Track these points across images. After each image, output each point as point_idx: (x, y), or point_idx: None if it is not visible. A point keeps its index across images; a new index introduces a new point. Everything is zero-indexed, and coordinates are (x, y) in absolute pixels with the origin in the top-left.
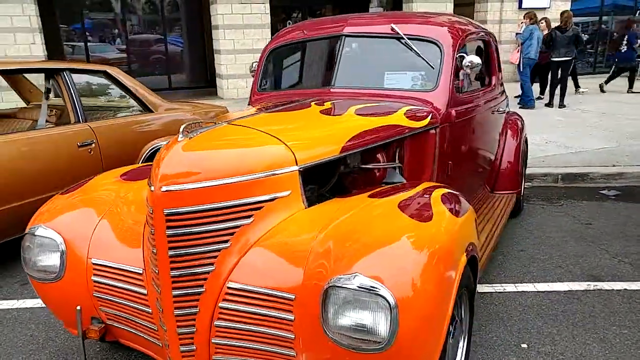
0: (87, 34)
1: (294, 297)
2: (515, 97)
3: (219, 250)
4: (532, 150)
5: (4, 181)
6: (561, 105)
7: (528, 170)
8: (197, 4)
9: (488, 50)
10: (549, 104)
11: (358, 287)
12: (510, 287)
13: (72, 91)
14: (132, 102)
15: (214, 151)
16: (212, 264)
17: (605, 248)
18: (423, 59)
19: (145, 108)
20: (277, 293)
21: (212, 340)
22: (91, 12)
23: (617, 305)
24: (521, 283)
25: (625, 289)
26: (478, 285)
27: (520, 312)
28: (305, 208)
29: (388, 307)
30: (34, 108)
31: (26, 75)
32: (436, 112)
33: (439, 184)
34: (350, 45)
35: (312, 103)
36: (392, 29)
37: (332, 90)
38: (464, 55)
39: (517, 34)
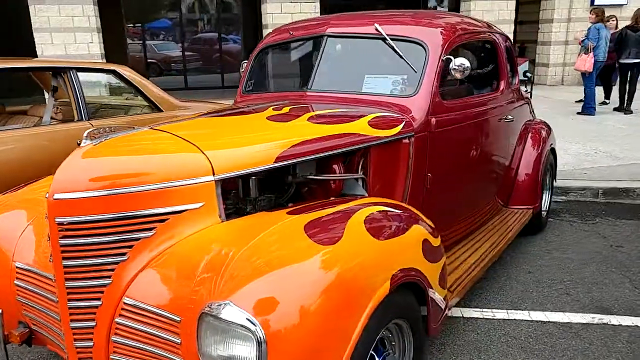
0: (151, 33)
1: (180, 319)
2: (577, 101)
3: (116, 263)
4: (575, 161)
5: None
6: (627, 111)
7: (564, 183)
8: (254, 3)
9: (495, 52)
10: (620, 109)
11: (226, 317)
12: (501, 314)
13: (76, 90)
14: (143, 101)
15: (115, 158)
16: (109, 276)
17: (629, 276)
18: (406, 61)
19: (155, 107)
20: (165, 313)
21: (111, 357)
22: (155, 12)
23: (618, 344)
24: (516, 310)
25: (636, 326)
26: (465, 309)
27: (502, 344)
28: (222, 222)
29: (255, 341)
30: (44, 105)
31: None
32: (411, 120)
33: (382, 201)
34: (333, 46)
35: (270, 107)
36: (376, 29)
37: (308, 93)
38: (451, 58)
39: (582, 40)
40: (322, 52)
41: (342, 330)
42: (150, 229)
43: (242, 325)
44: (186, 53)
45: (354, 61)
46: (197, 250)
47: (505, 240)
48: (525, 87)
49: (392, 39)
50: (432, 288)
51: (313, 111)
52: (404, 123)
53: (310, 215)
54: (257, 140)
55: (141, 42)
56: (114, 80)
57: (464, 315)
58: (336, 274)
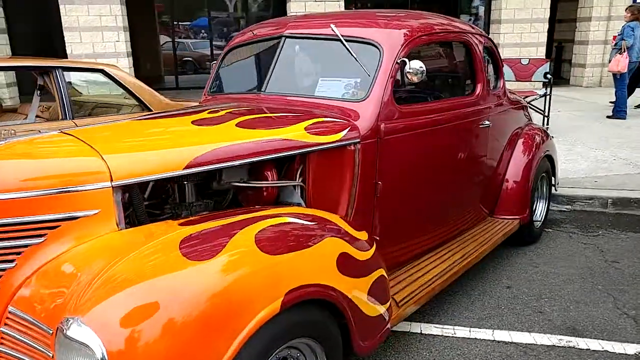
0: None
1: (51, 331)
2: (611, 102)
3: (2, 270)
4: (590, 168)
5: None
6: None
7: (572, 192)
8: (284, 3)
9: (470, 54)
10: None
11: (70, 334)
12: (462, 332)
13: (61, 89)
14: (133, 100)
15: (5, 162)
16: None
17: (615, 295)
18: (360, 64)
19: (145, 106)
20: (40, 324)
21: None
22: (193, 11)
23: None
24: (479, 328)
25: (606, 351)
26: (427, 325)
27: None
28: (121, 229)
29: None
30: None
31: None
32: (358, 125)
33: (295, 211)
34: (291, 48)
35: (206, 110)
36: (332, 30)
37: (262, 95)
38: (406, 60)
39: (615, 43)
40: (279, 54)
41: (210, 351)
42: (40, 236)
43: (83, 343)
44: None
45: (311, 63)
46: (80, 260)
47: (479, 252)
48: (545, 88)
49: (347, 40)
50: (355, 304)
51: (249, 115)
52: (348, 129)
53: (194, 228)
54: (169, 145)
55: (174, 40)
56: (100, 80)
57: (423, 332)
58: (202, 292)
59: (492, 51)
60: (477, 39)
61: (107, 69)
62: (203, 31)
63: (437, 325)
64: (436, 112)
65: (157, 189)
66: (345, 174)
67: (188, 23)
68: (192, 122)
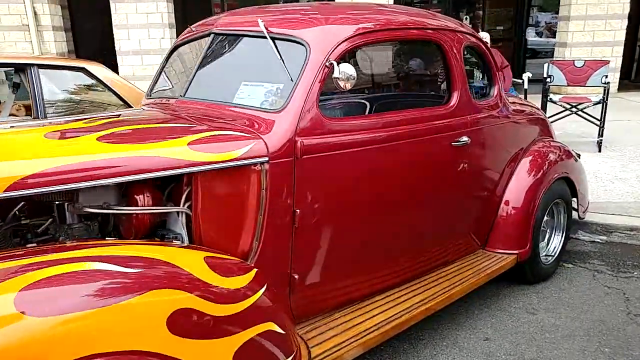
0: None
1: None
2: None
3: None
4: (634, 191)
5: None
6: None
7: (610, 219)
8: None
9: (443, 56)
10: None
11: None
12: None
13: (35, 87)
14: (115, 99)
15: None
16: None
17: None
18: (284, 66)
19: (129, 105)
20: None
21: None
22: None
23: None
24: None
25: None
26: None
27: None
28: None
29: None
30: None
31: None
32: (267, 141)
33: (107, 254)
34: (219, 46)
35: (82, 121)
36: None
37: (182, 100)
38: (334, 63)
39: None
40: (205, 53)
41: None
42: None
43: None
44: None
45: (236, 64)
46: None
47: (446, 295)
48: (604, 94)
49: (276, 38)
50: None
51: (129, 126)
52: (250, 145)
53: None
54: None
55: None
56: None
57: None
58: None
59: (480, 51)
60: (453, 36)
61: (89, 66)
62: None
63: None
64: (383, 127)
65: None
66: (247, 199)
67: None
68: (44, 136)
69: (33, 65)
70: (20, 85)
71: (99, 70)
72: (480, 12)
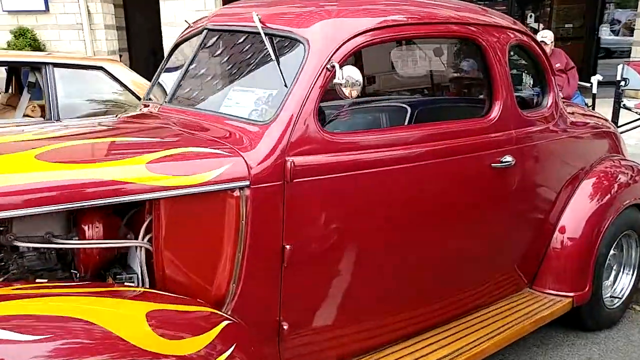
0: None
1: None
2: None
3: None
4: None
5: None
6: None
7: None
8: None
9: (482, 58)
10: None
11: None
12: None
13: (49, 87)
14: (133, 99)
15: None
16: None
17: None
18: (279, 69)
19: None
20: None
21: None
22: None
23: None
24: None
25: None
26: None
27: None
28: None
29: None
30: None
31: None
32: (248, 161)
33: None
34: (212, 45)
35: (31, 132)
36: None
37: (165, 107)
38: (336, 65)
39: None
40: (195, 53)
41: None
42: None
43: None
44: None
45: (227, 66)
46: None
47: (479, 349)
48: None
49: (272, 35)
50: None
51: (76, 140)
52: (226, 166)
53: None
54: None
55: None
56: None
57: None
58: None
59: (532, 51)
60: (493, 35)
61: (107, 65)
62: None
63: None
64: (400, 144)
65: None
66: (222, 232)
67: None
68: None
69: (48, 64)
70: (35, 84)
71: (118, 69)
72: (548, 9)
